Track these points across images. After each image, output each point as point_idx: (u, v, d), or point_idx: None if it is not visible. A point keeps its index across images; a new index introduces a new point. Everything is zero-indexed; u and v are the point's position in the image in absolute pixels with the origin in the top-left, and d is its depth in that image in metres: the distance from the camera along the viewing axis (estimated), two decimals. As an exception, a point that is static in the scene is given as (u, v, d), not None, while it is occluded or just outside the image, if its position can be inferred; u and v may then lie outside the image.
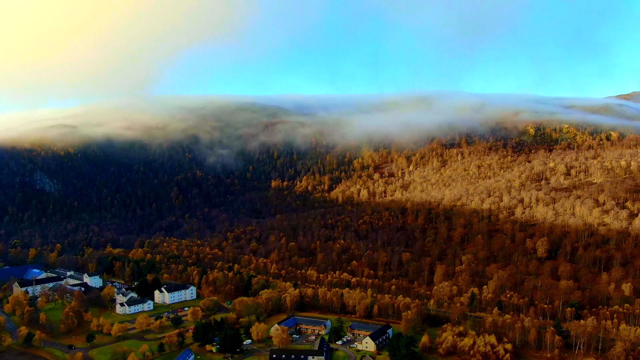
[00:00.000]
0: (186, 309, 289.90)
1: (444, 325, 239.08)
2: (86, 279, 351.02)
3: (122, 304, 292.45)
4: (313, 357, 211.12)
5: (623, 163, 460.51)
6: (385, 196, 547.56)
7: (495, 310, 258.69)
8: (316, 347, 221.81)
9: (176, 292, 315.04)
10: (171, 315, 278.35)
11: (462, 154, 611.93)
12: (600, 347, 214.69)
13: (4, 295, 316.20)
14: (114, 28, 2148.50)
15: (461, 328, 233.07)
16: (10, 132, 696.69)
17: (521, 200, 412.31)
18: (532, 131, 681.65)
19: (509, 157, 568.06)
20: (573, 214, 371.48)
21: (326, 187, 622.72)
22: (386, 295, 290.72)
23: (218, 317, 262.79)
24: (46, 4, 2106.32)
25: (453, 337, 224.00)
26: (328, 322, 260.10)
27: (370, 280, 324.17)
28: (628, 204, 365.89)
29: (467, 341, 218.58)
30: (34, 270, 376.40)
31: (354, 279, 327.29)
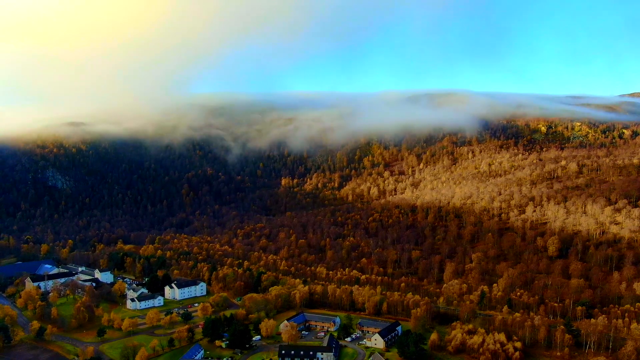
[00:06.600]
0: (196, 304, 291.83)
1: (454, 323, 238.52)
2: (97, 274, 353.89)
3: (132, 300, 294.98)
4: (322, 354, 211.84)
5: (636, 161, 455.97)
6: (395, 194, 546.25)
7: (505, 308, 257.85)
8: (325, 344, 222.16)
9: (186, 288, 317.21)
10: (181, 311, 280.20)
11: (472, 152, 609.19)
12: (610, 346, 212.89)
13: (17, 290, 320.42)
14: (137, 31, 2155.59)
15: (470, 326, 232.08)
16: (23, 129, 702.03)
17: (532, 199, 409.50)
18: (543, 129, 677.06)
19: (520, 155, 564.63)
20: (584, 213, 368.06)
21: (336, 185, 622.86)
22: (395, 292, 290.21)
23: (228, 313, 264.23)
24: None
25: (462, 335, 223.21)
26: (337, 319, 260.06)
27: (380, 278, 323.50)
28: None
29: (476, 339, 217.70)
30: (46, 265, 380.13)
31: (363, 276, 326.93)
